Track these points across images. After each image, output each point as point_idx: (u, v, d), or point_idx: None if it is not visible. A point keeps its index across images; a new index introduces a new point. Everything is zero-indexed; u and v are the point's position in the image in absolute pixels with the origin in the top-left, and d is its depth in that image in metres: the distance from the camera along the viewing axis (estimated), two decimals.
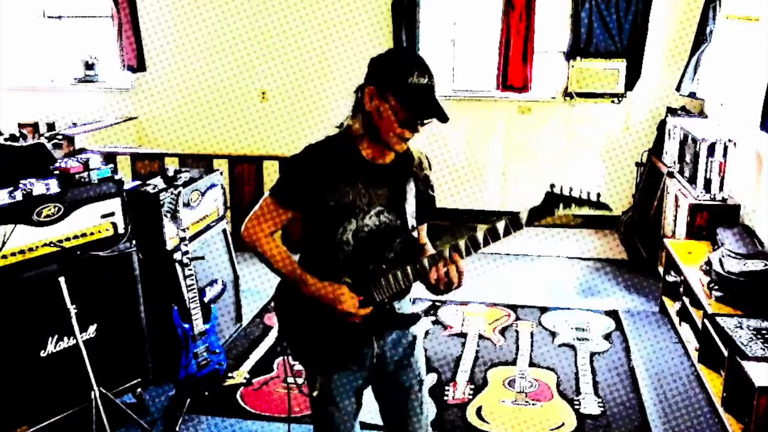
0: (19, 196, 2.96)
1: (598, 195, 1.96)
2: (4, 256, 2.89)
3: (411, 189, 2.15)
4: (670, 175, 5.14)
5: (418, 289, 2.17)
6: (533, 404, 3.62)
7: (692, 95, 5.70)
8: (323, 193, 2.03)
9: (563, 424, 3.45)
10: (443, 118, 1.99)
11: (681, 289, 4.31)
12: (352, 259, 2.08)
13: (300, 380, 3.84)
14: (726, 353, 3.28)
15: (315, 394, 2.21)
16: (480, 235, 2.02)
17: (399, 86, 1.95)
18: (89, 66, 7.13)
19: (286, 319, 2.22)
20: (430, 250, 2.24)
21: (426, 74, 1.98)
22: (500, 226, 2.02)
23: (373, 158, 2.09)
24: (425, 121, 2.01)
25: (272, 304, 2.25)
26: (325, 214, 2.05)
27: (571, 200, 1.97)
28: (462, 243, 2.02)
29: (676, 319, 4.38)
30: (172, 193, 3.52)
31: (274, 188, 2.10)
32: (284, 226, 2.14)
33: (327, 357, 2.17)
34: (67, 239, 3.09)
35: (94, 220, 3.21)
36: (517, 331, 4.45)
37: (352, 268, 2.08)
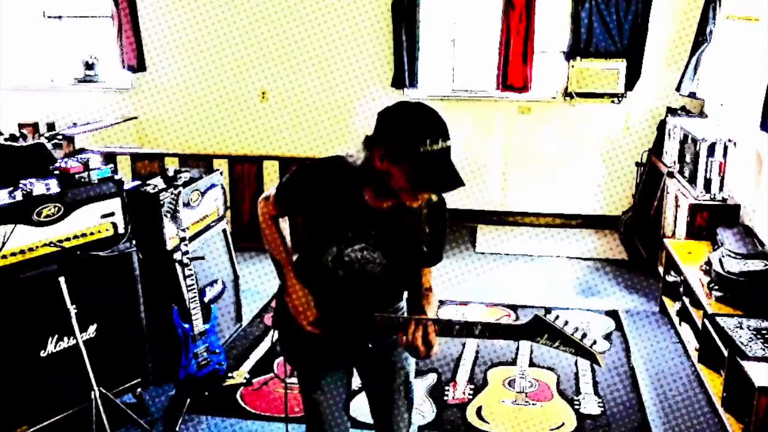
0: (19, 196, 2.95)
1: (594, 342, 1.86)
2: (4, 256, 2.89)
3: (410, 233, 2.07)
4: (670, 175, 5.14)
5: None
6: (533, 404, 3.62)
7: (692, 95, 5.70)
8: (314, 214, 2.06)
9: (563, 424, 3.45)
10: (458, 185, 1.85)
11: (681, 289, 4.31)
12: (331, 280, 2.10)
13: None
14: (726, 353, 3.28)
15: (302, 385, 2.28)
16: (457, 326, 2.00)
17: (412, 157, 1.81)
18: (89, 66, 7.13)
19: (282, 317, 2.25)
20: (431, 297, 2.19)
21: (439, 137, 1.81)
22: (477, 327, 1.98)
23: (372, 200, 2.03)
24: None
25: (273, 302, 2.28)
26: (312, 231, 2.10)
27: (558, 336, 1.87)
28: (440, 320, 2.02)
29: (676, 319, 4.37)
30: (172, 193, 3.51)
31: (279, 187, 2.15)
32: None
33: (314, 360, 2.21)
34: (67, 239, 3.09)
35: (94, 220, 3.21)
36: None
37: (332, 288, 2.10)
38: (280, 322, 2.27)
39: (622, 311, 4.75)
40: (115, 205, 3.28)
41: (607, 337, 4.37)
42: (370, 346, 2.15)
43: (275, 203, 2.16)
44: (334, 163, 2.04)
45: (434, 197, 2.08)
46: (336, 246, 2.06)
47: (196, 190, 3.91)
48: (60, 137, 6.18)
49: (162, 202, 3.55)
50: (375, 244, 2.06)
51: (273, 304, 4.79)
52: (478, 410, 3.56)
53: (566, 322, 1.87)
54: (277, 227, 2.19)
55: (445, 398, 3.66)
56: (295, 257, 2.20)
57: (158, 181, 3.73)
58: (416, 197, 1.93)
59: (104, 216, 3.24)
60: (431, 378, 3.84)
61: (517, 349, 4.21)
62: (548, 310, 1.91)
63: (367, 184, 1.99)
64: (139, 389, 3.52)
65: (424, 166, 1.81)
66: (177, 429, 3.38)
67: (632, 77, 6.12)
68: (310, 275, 2.13)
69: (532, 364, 4.04)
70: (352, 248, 2.06)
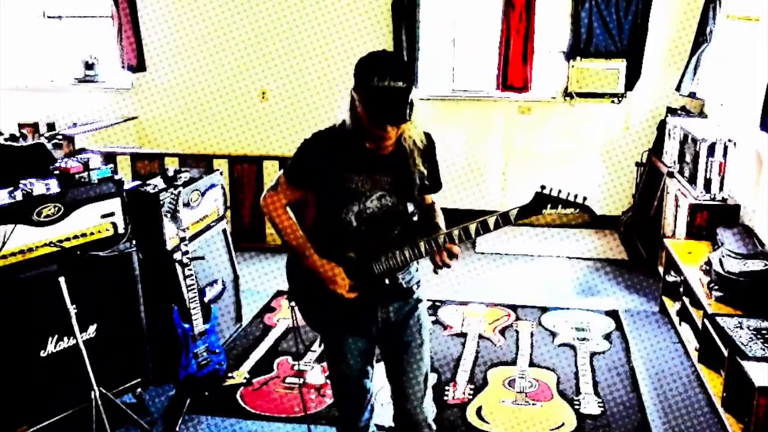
0: (19, 196, 2.96)
1: (584, 198, 2.15)
2: (4, 256, 2.89)
3: (416, 174, 2.29)
4: (670, 175, 5.15)
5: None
6: (533, 404, 3.62)
7: (692, 95, 5.70)
8: (328, 178, 2.22)
9: (563, 424, 3.45)
10: (397, 120, 2.08)
11: (681, 289, 4.31)
12: (356, 237, 2.26)
13: (301, 380, 3.86)
14: (726, 353, 3.28)
15: (327, 355, 2.47)
16: (472, 227, 2.21)
17: (363, 87, 2.08)
18: (89, 66, 7.13)
19: (296, 283, 2.43)
20: (437, 209, 2.46)
21: (391, 77, 2.05)
22: (491, 220, 2.22)
23: (374, 149, 2.22)
24: (397, 122, 2.10)
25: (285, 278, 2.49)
26: (330, 196, 2.24)
27: (558, 202, 2.16)
28: (456, 232, 2.21)
29: (676, 319, 4.38)
30: (172, 193, 3.51)
31: (286, 168, 2.31)
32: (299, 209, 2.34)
33: (332, 323, 2.37)
34: (67, 239, 3.09)
35: (94, 220, 3.21)
36: (517, 331, 4.45)
37: (356, 245, 2.27)
38: (299, 293, 2.42)
39: (622, 311, 4.75)
40: (115, 205, 3.28)
41: (607, 337, 4.37)
42: (387, 282, 2.30)
43: (287, 184, 2.29)
44: (331, 128, 2.26)
45: (420, 141, 2.28)
46: (357, 202, 2.22)
47: (196, 190, 3.91)
48: (60, 137, 6.18)
49: (162, 202, 3.55)
50: (389, 190, 2.25)
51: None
52: (478, 410, 3.56)
53: (559, 191, 2.16)
54: (287, 215, 2.31)
55: (445, 398, 3.66)
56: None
57: (158, 181, 3.73)
58: (380, 136, 2.12)
59: (104, 216, 3.24)
60: (431, 378, 3.84)
61: (517, 349, 4.21)
62: (543, 187, 2.23)
63: (361, 133, 2.18)
64: (139, 389, 3.52)
65: (371, 96, 2.06)
66: (177, 429, 3.38)
67: (632, 77, 6.12)
68: (330, 241, 2.27)
69: (532, 364, 4.04)
70: (371, 199, 2.23)
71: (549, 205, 2.16)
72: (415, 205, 2.34)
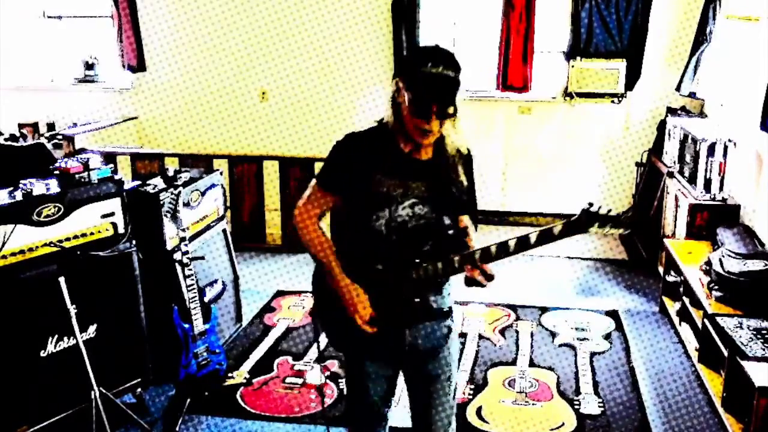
0: (19, 196, 2.96)
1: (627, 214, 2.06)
2: (4, 256, 2.89)
3: (455, 185, 2.21)
4: (670, 175, 5.15)
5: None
6: (533, 404, 3.62)
7: (692, 95, 5.70)
8: (360, 180, 2.10)
9: (563, 424, 3.45)
10: (444, 106, 1.98)
11: (681, 289, 4.31)
12: (385, 247, 2.12)
13: (300, 380, 3.87)
14: (726, 353, 3.28)
15: (347, 376, 2.34)
16: (512, 243, 2.09)
17: (412, 74, 1.99)
18: (89, 66, 7.13)
19: (322, 302, 2.31)
20: (472, 233, 2.31)
21: (442, 65, 1.97)
22: (532, 237, 2.08)
23: (411, 152, 2.13)
24: (444, 112, 2.00)
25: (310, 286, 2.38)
26: (361, 200, 2.12)
27: (608, 220, 2.04)
28: (493, 248, 2.09)
29: (676, 319, 4.38)
30: (172, 193, 3.52)
31: (318, 174, 2.21)
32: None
33: (358, 346, 2.24)
34: (67, 239, 3.09)
35: (94, 220, 3.21)
36: (517, 331, 4.45)
37: (384, 256, 2.13)
38: (324, 309, 2.32)
39: (622, 311, 4.75)
40: (115, 205, 3.28)
41: (607, 337, 4.37)
42: (417, 300, 2.17)
43: (319, 188, 2.18)
44: (366, 130, 2.16)
45: (463, 149, 2.21)
46: (387, 208, 2.10)
47: (196, 190, 3.91)
48: (60, 137, 6.18)
49: (162, 202, 3.55)
50: (423, 198, 2.13)
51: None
52: (478, 410, 3.56)
53: (609, 210, 2.04)
54: (319, 230, 2.19)
55: None
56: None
57: (158, 181, 3.73)
58: (422, 129, 2.01)
59: (104, 216, 3.24)
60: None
61: (517, 349, 4.21)
62: (591, 204, 2.11)
63: (398, 131, 2.08)
64: (139, 389, 3.52)
65: (420, 83, 1.97)
66: (177, 429, 3.38)
67: (632, 77, 6.12)
68: (357, 252, 2.16)
69: (532, 364, 4.04)
70: (402, 206, 2.11)
71: (597, 224, 2.04)
72: (451, 218, 2.21)
